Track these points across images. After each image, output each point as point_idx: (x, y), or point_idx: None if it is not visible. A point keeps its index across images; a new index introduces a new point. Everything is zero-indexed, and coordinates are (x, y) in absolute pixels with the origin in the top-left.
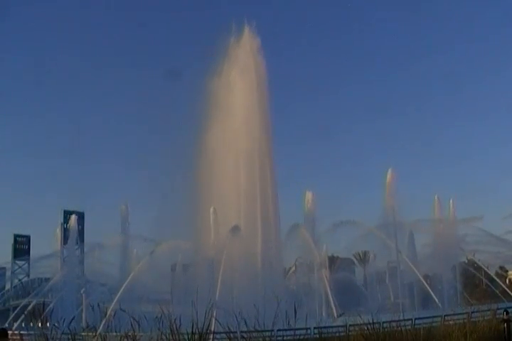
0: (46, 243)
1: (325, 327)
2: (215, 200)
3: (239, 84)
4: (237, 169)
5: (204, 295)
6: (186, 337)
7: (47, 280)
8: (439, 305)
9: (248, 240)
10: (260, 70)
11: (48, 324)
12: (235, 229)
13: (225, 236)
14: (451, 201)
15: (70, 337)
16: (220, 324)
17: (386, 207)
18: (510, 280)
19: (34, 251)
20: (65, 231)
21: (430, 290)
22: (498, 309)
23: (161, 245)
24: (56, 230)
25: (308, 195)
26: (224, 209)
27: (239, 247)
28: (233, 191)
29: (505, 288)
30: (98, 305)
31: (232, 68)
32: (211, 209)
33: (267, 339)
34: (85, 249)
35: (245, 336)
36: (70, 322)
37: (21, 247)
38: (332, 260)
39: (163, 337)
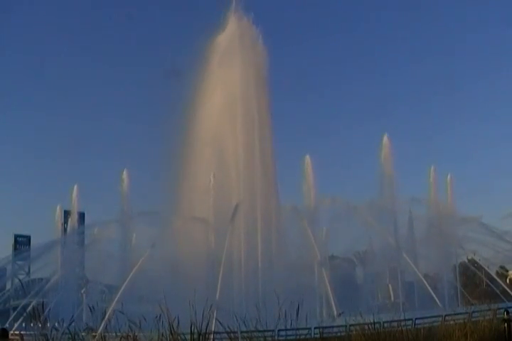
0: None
1: (326, 327)
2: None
3: None
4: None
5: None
6: (186, 337)
7: (46, 279)
8: (440, 304)
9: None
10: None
11: (48, 324)
12: (237, 209)
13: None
14: (448, 176)
15: (70, 337)
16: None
17: (383, 173)
18: (510, 279)
19: (34, 251)
20: (65, 232)
21: (430, 290)
22: (498, 309)
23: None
24: (56, 230)
25: (307, 160)
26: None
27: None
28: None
29: (506, 288)
30: (98, 304)
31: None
32: (211, 175)
33: (268, 339)
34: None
35: (246, 336)
36: (70, 323)
37: (21, 247)
38: (332, 259)
39: (163, 339)
